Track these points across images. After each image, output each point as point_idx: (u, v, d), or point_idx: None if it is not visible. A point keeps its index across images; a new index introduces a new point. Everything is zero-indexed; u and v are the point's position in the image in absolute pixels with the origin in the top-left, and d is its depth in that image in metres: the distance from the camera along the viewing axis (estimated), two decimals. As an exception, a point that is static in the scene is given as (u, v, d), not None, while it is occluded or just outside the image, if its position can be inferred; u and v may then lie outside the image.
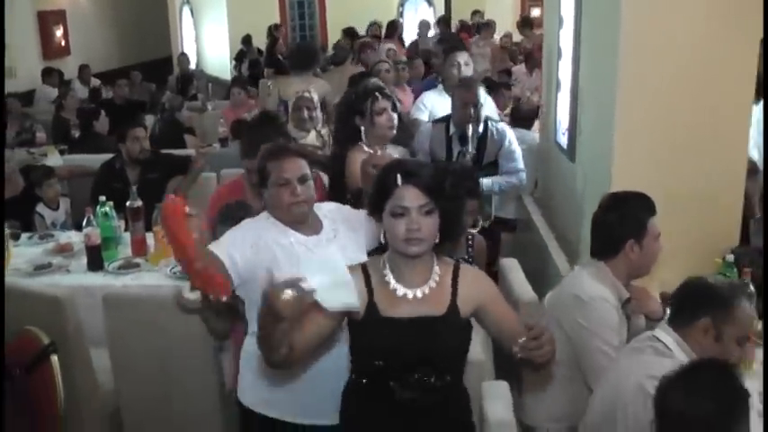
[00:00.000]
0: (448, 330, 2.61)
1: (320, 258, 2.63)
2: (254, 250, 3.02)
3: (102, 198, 4.96)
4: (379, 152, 3.59)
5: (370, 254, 3.08)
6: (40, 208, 5.87)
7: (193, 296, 3.15)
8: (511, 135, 5.24)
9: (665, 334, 2.83)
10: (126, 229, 5.06)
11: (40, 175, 5.97)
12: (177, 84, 12.25)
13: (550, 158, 5.71)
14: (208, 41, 15.56)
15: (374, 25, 13.06)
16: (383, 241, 2.63)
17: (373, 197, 2.63)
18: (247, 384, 3.19)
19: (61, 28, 13.48)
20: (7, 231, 5.10)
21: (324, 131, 5.82)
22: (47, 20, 13.04)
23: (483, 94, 5.50)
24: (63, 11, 13.65)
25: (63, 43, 13.51)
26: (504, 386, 3.09)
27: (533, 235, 5.44)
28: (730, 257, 3.66)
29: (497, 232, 5.27)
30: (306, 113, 5.61)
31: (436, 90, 6.29)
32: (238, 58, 14.03)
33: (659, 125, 3.97)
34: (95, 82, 12.28)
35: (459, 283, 2.67)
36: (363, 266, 2.71)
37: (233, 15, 15.44)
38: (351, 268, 2.59)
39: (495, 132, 5.14)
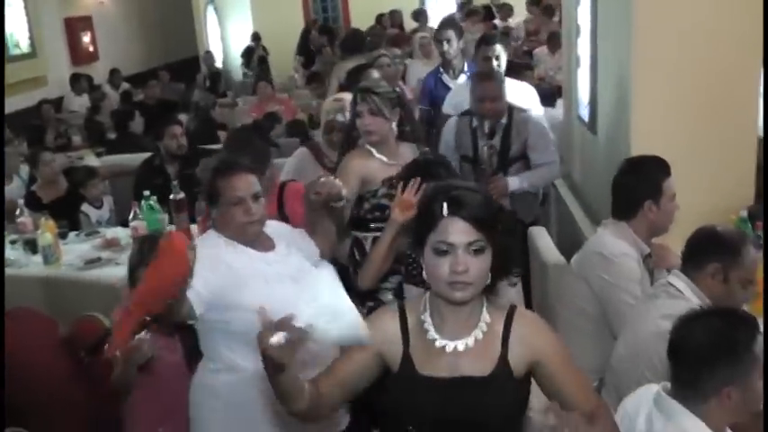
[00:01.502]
0: (495, 394, 2.21)
1: (310, 280, 2.14)
2: (216, 274, 2.84)
3: (146, 193, 5.20)
4: (322, 179, 3.25)
5: None
6: (85, 207, 6.12)
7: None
8: (539, 123, 5.00)
9: (677, 279, 3.01)
10: (170, 222, 5.26)
11: (83, 175, 6.24)
12: (205, 82, 12.51)
13: (573, 132, 5.88)
14: (233, 40, 15.78)
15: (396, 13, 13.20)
16: (425, 277, 2.24)
17: (415, 228, 2.30)
18: (203, 420, 3.08)
19: (89, 34, 13.67)
20: (56, 231, 5.35)
21: None
22: (74, 26, 13.23)
23: (516, 83, 5.48)
24: (89, 17, 13.82)
25: (91, 49, 13.70)
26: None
27: (560, 206, 5.62)
28: (744, 213, 3.84)
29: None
30: (336, 137, 4.87)
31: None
32: (245, 55, 14.23)
33: (673, 93, 4.16)
34: (125, 85, 12.55)
35: (513, 332, 2.26)
36: (401, 306, 2.39)
37: (257, 13, 15.65)
38: (388, 307, 2.42)
39: (520, 122, 4.86)
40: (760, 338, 2.27)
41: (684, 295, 2.93)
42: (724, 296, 2.91)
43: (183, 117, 9.01)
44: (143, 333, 3.16)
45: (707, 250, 2.97)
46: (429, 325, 2.27)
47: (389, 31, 11.56)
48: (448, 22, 7.02)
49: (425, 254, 2.20)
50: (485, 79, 4.95)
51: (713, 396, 2.26)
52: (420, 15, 12.54)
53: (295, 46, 13.91)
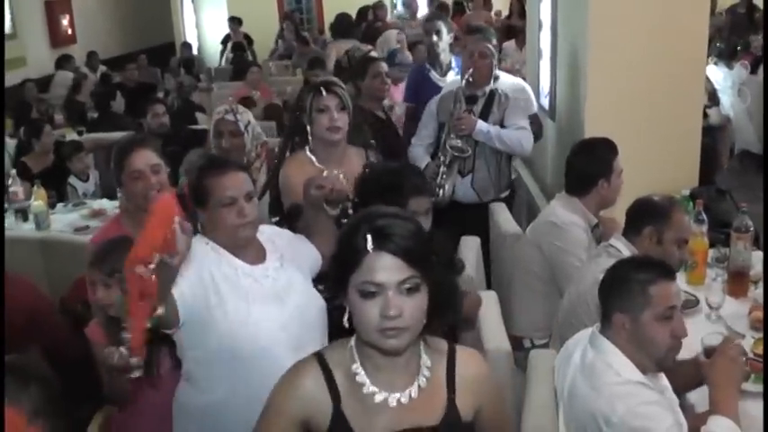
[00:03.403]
0: None
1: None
2: (200, 279, 2.59)
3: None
4: (325, 172, 3.06)
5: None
6: (72, 180, 6.45)
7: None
8: (519, 101, 4.89)
9: (617, 242, 3.40)
10: (154, 195, 5.56)
11: (70, 149, 6.57)
12: (179, 67, 12.79)
13: (536, 120, 6.28)
14: (208, 28, 16.02)
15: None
16: (346, 325, 1.95)
17: (334, 266, 1.98)
18: None
19: (67, 17, 13.89)
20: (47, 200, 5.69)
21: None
22: (54, 9, 13.45)
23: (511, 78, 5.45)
24: (69, 0, 14.09)
25: (69, 32, 13.93)
26: (493, 297, 3.64)
27: (522, 191, 6.02)
28: (686, 192, 4.26)
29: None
30: (226, 142, 4.27)
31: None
32: (225, 41, 14.50)
33: (625, 84, 4.59)
34: (102, 68, 12.81)
35: (458, 375, 2.05)
36: (320, 358, 2.02)
37: (232, 1, 15.89)
38: (303, 363, 2.05)
39: (502, 96, 4.80)
40: (662, 285, 2.56)
41: (623, 254, 3.29)
42: (661, 257, 3.17)
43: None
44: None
45: (642, 216, 3.34)
46: (363, 377, 1.97)
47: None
48: (438, 14, 7.18)
49: (350, 297, 1.88)
50: (474, 32, 4.99)
51: (609, 321, 2.60)
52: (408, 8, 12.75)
53: (268, 34, 14.20)
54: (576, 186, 3.92)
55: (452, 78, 5.68)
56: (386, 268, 1.83)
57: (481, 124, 4.69)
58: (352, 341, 2.00)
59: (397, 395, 1.96)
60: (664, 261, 2.83)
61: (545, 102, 5.70)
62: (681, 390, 2.80)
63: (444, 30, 6.05)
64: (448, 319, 2.07)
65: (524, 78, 7.30)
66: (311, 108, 3.52)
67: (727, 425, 2.45)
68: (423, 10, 13.70)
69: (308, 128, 3.55)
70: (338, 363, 2.00)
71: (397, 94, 6.60)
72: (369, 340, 1.90)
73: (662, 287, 2.56)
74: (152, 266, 2.07)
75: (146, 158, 3.23)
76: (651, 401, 2.45)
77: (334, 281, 1.93)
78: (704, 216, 3.97)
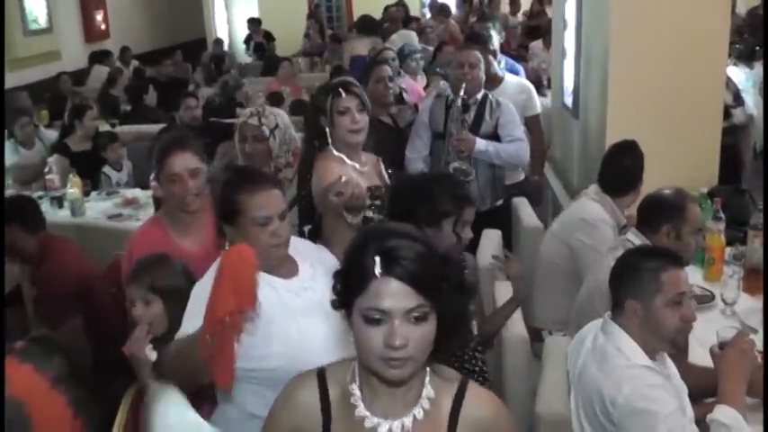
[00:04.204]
0: None
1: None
2: None
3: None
4: (343, 178, 2.91)
5: None
6: (107, 169, 6.62)
7: (153, 357, 2.67)
8: (510, 106, 4.92)
9: (634, 237, 3.48)
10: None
11: (106, 139, 6.75)
12: (210, 62, 12.98)
13: (558, 118, 6.40)
14: (239, 24, 16.23)
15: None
16: (351, 340, 1.84)
17: (340, 285, 1.85)
18: None
19: (101, 12, 14.11)
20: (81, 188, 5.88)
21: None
22: (88, 5, 13.66)
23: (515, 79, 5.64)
24: (103, -4, 14.33)
25: (103, 27, 14.15)
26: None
27: (547, 191, 6.12)
28: (704, 190, 4.34)
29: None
30: (250, 147, 4.03)
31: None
32: (247, 41, 14.70)
33: (646, 84, 4.68)
34: (134, 63, 13.03)
35: (464, 413, 1.88)
36: (320, 373, 1.95)
37: (263, -2, 16.13)
38: (303, 376, 1.98)
39: (493, 103, 4.84)
40: (672, 272, 2.67)
41: None
42: (680, 250, 3.26)
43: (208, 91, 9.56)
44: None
45: (659, 215, 3.43)
46: (357, 399, 1.87)
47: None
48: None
49: (353, 320, 1.78)
50: (465, 47, 5.14)
51: (621, 308, 2.70)
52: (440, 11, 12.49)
53: (298, 31, 14.38)
54: (614, 186, 4.03)
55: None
56: (393, 295, 1.71)
57: (479, 143, 4.68)
58: (355, 363, 1.90)
59: (389, 423, 1.85)
60: (671, 249, 2.94)
61: (569, 101, 5.79)
62: (700, 395, 2.86)
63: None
64: (456, 346, 1.93)
65: (548, 78, 7.46)
66: (332, 110, 3.44)
67: (733, 415, 2.53)
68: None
69: (328, 130, 3.47)
70: (337, 380, 1.92)
71: (416, 90, 6.67)
72: (370, 367, 1.79)
73: (672, 274, 2.67)
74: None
75: (185, 162, 3.17)
76: (656, 385, 2.55)
77: (340, 302, 1.83)
78: (722, 214, 4.04)
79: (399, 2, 13.12)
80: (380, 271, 1.71)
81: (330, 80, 4.43)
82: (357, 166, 3.41)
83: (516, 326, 3.37)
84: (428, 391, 1.86)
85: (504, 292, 3.52)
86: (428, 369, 1.87)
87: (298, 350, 2.45)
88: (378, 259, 1.71)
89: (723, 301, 3.65)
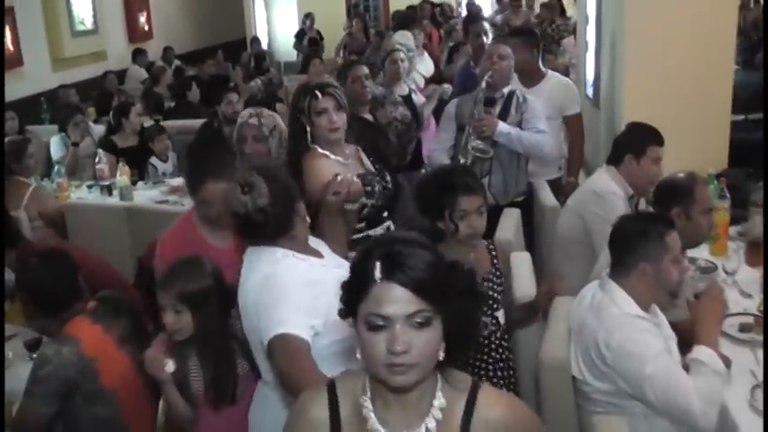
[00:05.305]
0: None
1: None
2: (314, 298, 2.55)
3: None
4: (339, 177, 3.02)
5: None
6: (153, 160, 6.98)
7: (172, 369, 2.94)
8: (536, 103, 4.92)
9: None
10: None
11: (153, 132, 7.14)
12: (250, 61, 13.37)
13: (582, 108, 6.63)
14: (279, 24, 16.61)
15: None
16: (358, 356, 1.82)
17: (344, 292, 1.83)
18: None
19: (145, 14, 14.52)
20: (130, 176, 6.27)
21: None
22: (132, 6, 14.07)
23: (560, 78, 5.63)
24: (146, -2, 14.76)
25: (146, 28, 14.56)
26: (527, 257, 4.04)
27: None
28: (712, 171, 4.60)
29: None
30: (250, 147, 4.11)
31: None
32: (299, 35, 15.05)
33: (659, 70, 5.01)
34: (176, 62, 13.43)
35: (476, 418, 1.84)
36: (331, 386, 1.93)
37: (301, -1, 16.48)
38: (313, 391, 1.97)
39: (520, 98, 4.86)
40: (672, 234, 2.99)
41: None
42: (691, 231, 3.57)
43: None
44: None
45: (670, 199, 3.67)
46: (369, 412, 1.84)
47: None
48: (480, 15, 7.68)
49: (358, 328, 1.77)
50: (500, 40, 5.31)
51: (633, 269, 2.98)
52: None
53: (336, 30, 14.71)
54: (612, 158, 4.32)
55: None
56: (394, 300, 1.70)
57: (502, 125, 4.70)
58: (367, 374, 1.87)
59: None
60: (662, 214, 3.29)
61: (590, 91, 6.07)
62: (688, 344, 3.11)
63: (489, 30, 6.59)
64: (465, 351, 1.88)
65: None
66: (309, 111, 3.54)
67: (708, 353, 2.86)
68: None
69: (308, 129, 3.56)
70: (348, 393, 1.90)
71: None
72: (375, 375, 1.77)
73: (673, 236, 3.00)
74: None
75: (218, 192, 3.24)
76: (644, 330, 2.87)
77: (345, 310, 1.82)
78: (726, 192, 4.30)
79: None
80: (380, 275, 1.70)
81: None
82: (341, 159, 3.55)
83: (528, 289, 3.62)
84: (440, 400, 1.83)
85: (518, 260, 3.80)
86: (439, 377, 1.85)
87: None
88: (378, 264, 1.71)
89: (725, 271, 3.91)
